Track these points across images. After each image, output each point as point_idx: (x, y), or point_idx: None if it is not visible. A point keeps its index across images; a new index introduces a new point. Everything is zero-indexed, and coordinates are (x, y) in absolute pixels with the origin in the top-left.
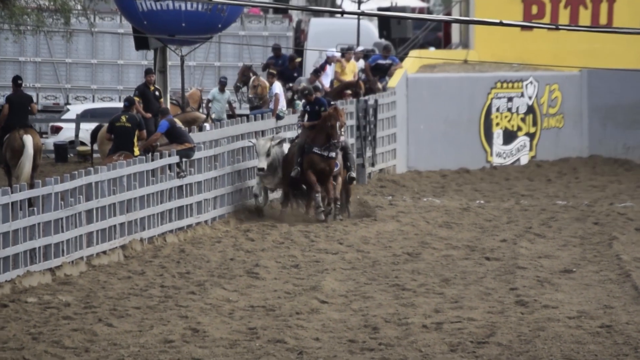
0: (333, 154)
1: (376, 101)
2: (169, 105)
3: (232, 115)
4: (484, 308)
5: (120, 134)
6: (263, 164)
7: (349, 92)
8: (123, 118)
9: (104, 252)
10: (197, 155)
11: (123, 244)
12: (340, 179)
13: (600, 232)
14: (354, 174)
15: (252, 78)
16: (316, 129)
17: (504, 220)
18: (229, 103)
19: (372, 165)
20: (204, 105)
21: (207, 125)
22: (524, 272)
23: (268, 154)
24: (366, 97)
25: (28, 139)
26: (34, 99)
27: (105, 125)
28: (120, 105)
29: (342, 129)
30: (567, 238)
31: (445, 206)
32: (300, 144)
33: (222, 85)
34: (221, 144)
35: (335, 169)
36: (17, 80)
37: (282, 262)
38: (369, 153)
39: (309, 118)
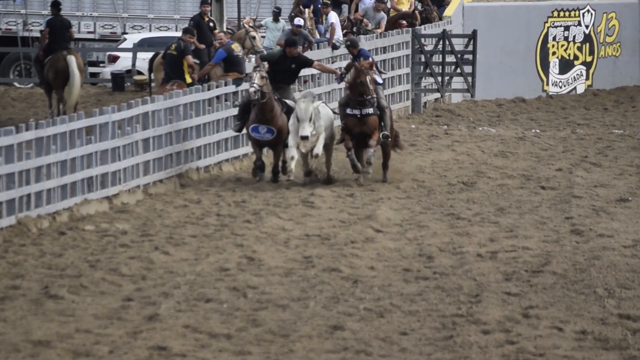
0: (369, 111)
1: (444, 31)
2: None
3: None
4: (539, 237)
5: (169, 63)
6: (306, 130)
7: (404, 22)
8: (172, 46)
9: (161, 181)
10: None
11: (179, 173)
12: (375, 138)
13: None
14: (387, 132)
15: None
16: (349, 87)
17: (560, 150)
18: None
19: (472, 95)
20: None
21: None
22: (580, 201)
23: (311, 119)
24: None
25: (72, 60)
26: (92, 28)
27: (161, 52)
28: (176, 34)
29: (374, 84)
30: (623, 167)
31: (501, 135)
32: (340, 104)
33: (276, 15)
34: None
35: None
36: (57, 5)
37: (337, 192)
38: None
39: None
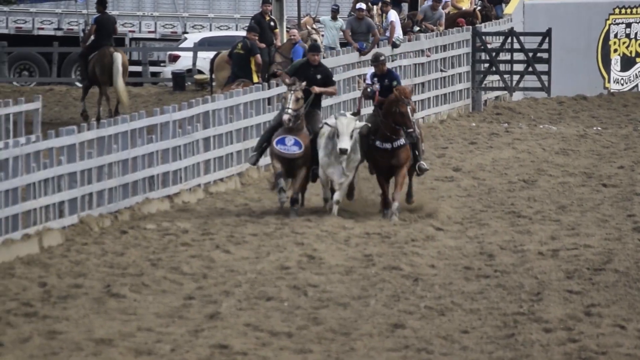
0: (401, 142)
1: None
2: (285, 35)
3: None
4: (601, 235)
5: (236, 62)
6: (346, 144)
7: (463, 20)
8: (239, 45)
9: (221, 180)
10: None
11: (240, 172)
12: (403, 172)
13: None
14: (424, 164)
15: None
16: (381, 115)
17: (622, 147)
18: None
19: (548, 94)
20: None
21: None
22: None
23: (351, 136)
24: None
25: (117, 56)
26: (153, 27)
27: (224, 52)
28: (237, 33)
29: (414, 114)
30: None
31: (562, 133)
32: (362, 133)
33: (334, 13)
34: (336, 72)
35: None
36: (103, 3)
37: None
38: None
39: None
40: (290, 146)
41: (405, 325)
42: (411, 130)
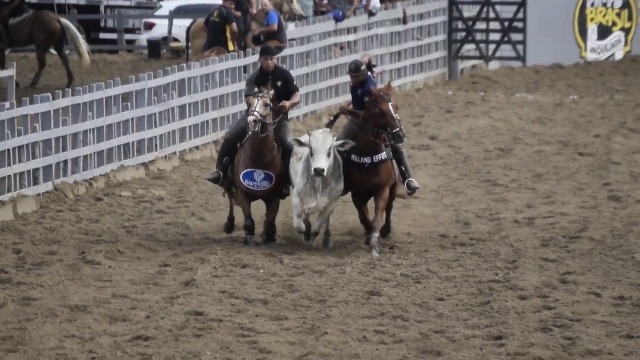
0: (382, 156)
1: None
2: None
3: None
4: (577, 203)
5: (212, 30)
6: (322, 163)
7: None
8: (215, 13)
9: (197, 147)
10: (288, 52)
11: (215, 139)
12: (385, 193)
13: None
14: (414, 182)
15: None
16: (358, 125)
17: (598, 116)
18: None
19: (523, 63)
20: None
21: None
22: (618, 167)
23: (328, 154)
24: None
25: (67, 22)
26: None
27: (200, 19)
28: (213, 1)
29: (397, 111)
30: None
31: (538, 102)
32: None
33: None
34: (312, 40)
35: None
36: None
37: None
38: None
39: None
40: (260, 182)
41: (381, 293)
42: (396, 130)
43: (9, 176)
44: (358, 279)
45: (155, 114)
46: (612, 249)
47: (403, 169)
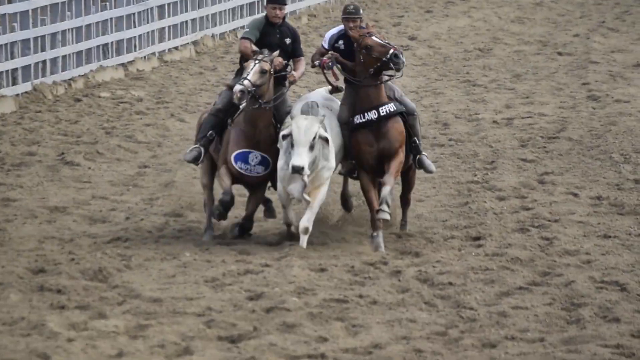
0: (390, 108)
1: None
2: None
3: None
4: (555, 103)
5: None
6: (302, 159)
7: None
8: None
9: (176, 48)
10: None
11: (195, 40)
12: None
13: None
14: (426, 158)
15: None
16: (353, 79)
17: (577, 15)
18: None
19: None
20: None
21: None
22: (597, 66)
23: (311, 147)
24: None
25: None
26: None
27: None
28: None
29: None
30: None
31: (518, 1)
32: (343, 119)
33: None
34: None
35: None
36: None
37: None
38: None
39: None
40: (255, 165)
41: (357, 196)
42: (391, 51)
43: None
44: (335, 181)
45: (134, 13)
46: (590, 149)
47: (414, 138)
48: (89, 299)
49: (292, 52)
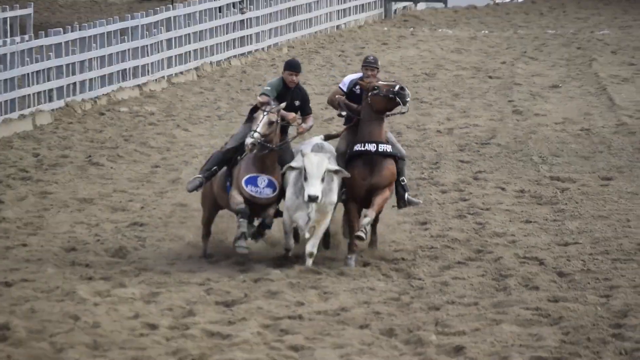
0: (387, 148)
1: None
2: None
3: None
4: (487, 116)
5: None
6: (317, 189)
7: None
8: None
9: (181, 72)
10: None
11: (196, 66)
12: (381, 200)
13: (582, 55)
14: (409, 195)
15: None
16: (357, 113)
17: (504, 46)
18: None
19: (445, 5)
20: None
21: None
22: (520, 87)
23: (322, 179)
24: None
25: None
26: None
27: None
28: None
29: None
30: (555, 60)
31: (457, 35)
32: (340, 150)
33: None
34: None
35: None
36: None
37: (318, 74)
38: None
39: (348, 116)
40: (264, 188)
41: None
42: (397, 87)
43: (29, 95)
44: None
45: (147, 45)
46: (514, 153)
47: (404, 180)
48: (111, 271)
49: (302, 111)
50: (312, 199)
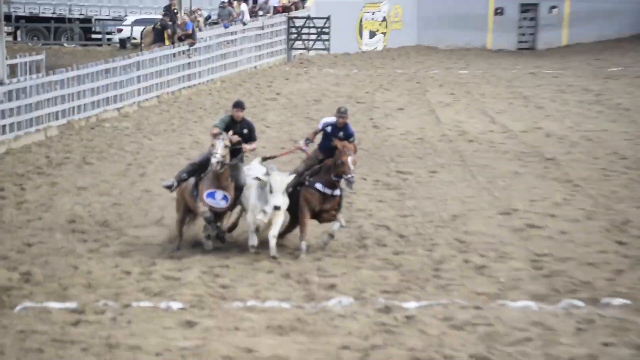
0: (337, 192)
1: (309, 15)
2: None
3: None
4: (356, 129)
5: (156, 33)
6: (280, 200)
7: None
8: (157, 24)
9: (147, 99)
10: (200, 44)
11: (157, 95)
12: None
13: (420, 87)
14: (341, 224)
15: None
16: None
17: (368, 82)
18: None
19: (328, 51)
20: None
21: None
22: (378, 109)
23: (284, 193)
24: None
25: None
26: (107, 12)
27: (149, 27)
28: (156, 16)
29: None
30: (401, 90)
31: (336, 74)
32: (299, 172)
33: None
34: (212, 39)
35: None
36: None
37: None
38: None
39: (323, 143)
40: (219, 200)
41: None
42: (349, 176)
43: (42, 115)
44: None
45: (124, 80)
46: (373, 154)
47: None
48: (99, 236)
49: (249, 138)
50: (277, 207)
